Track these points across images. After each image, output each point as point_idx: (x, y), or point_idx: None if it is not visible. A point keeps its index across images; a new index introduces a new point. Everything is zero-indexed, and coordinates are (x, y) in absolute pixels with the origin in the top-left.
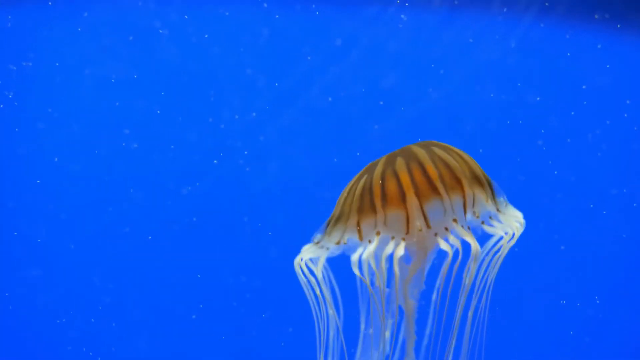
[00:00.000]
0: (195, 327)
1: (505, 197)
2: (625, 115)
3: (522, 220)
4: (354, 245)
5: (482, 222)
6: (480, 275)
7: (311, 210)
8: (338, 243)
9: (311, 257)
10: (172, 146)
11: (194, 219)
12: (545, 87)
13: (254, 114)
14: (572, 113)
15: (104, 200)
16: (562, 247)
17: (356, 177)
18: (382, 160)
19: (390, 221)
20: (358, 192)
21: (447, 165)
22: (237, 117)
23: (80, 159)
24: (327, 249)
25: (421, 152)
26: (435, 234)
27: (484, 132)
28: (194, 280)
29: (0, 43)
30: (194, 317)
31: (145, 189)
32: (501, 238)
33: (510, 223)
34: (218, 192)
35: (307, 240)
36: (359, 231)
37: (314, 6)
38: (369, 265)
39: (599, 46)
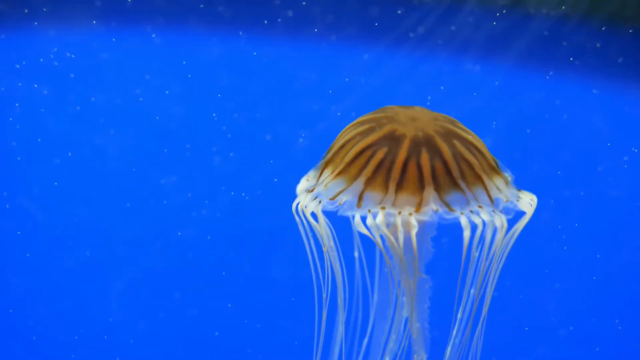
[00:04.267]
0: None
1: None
2: None
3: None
4: (350, 207)
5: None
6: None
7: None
8: (333, 199)
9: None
10: (230, 154)
11: (208, 238)
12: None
13: (301, 140)
14: (625, 158)
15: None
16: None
17: (371, 138)
18: (406, 143)
19: (399, 202)
20: (374, 163)
21: (468, 164)
22: (268, 137)
23: (108, 168)
24: (320, 201)
25: (445, 148)
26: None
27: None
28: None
29: (49, 63)
30: (229, 305)
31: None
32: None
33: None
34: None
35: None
36: (360, 199)
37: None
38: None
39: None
